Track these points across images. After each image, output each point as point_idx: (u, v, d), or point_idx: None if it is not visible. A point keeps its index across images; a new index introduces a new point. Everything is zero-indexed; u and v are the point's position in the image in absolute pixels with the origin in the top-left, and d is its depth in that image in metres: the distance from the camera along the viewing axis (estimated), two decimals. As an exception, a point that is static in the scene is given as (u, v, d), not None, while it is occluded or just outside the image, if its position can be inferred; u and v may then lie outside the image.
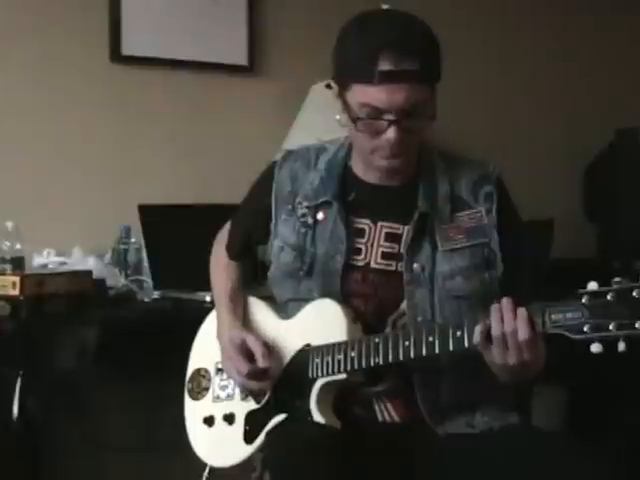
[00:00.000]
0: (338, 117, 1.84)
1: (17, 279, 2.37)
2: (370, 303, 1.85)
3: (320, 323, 1.85)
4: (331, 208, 1.88)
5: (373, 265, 1.86)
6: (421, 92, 1.74)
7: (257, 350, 1.90)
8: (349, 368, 1.78)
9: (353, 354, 1.77)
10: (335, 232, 1.87)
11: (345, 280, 1.86)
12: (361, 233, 1.87)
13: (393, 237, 1.86)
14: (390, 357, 1.73)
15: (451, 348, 1.68)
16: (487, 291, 1.82)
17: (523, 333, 1.61)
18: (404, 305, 1.83)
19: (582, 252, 3.76)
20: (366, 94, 1.73)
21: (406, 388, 1.83)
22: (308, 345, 1.86)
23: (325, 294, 1.86)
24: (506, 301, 1.64)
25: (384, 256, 1.86)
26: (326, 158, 1.94)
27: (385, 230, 1.87)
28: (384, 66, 1.70)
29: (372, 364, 1.75)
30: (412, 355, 1.71)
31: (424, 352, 1.69)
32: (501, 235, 1.85)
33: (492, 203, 1.86)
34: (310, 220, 1.89)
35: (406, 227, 1.85)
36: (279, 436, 1.81)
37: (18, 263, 2.47)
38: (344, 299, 1.84)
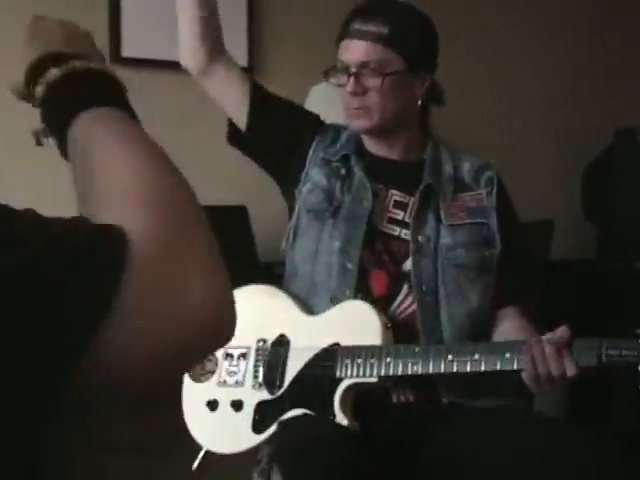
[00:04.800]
0: None
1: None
2: (376, 257, 1.91)
3: (351, 324, 1.86)
4: (357, 165, 1.98)
5: (380, 228, 1.94)
6: (381, 53, 1.89)
7: None
8: (382, 373, 1.79)
9: (389, 359, 1.78)
10: (361, 183, 1.96)
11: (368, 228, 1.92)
12: (376, 196, 1.95)
13: (400, 205, 1.96)
14: (431, 368, 1.75)
15: (499, 367, 1.72)
16: (487, 267, 1.92)
17: (570, 371, 1.69)
18: (407, 265, 1.89)
19: (582, 253, 3.76)
20: (341, 50, 1.95)
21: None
22: (336, 344, 1.86)
23: (347, 239, 1.90)
24: (549, 347, 1.68)
25: (390, 221, 1.94)
26: (348, 133, 2.04)
27: (395, 197, 1.96)
28: (354, 25, 1.90)
29: (409, 372, 1.77)
30: (455, 369, 1.73)
31: (468, 369, 1.72)
32: (498, 219, 1.95)
33: (492, 187, 1.97)
34: (343, 171, 1.98)
35: (412, 198, 1.94)
36: (296, 431, 1.80)
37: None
38: (363, 246, 1.90)
